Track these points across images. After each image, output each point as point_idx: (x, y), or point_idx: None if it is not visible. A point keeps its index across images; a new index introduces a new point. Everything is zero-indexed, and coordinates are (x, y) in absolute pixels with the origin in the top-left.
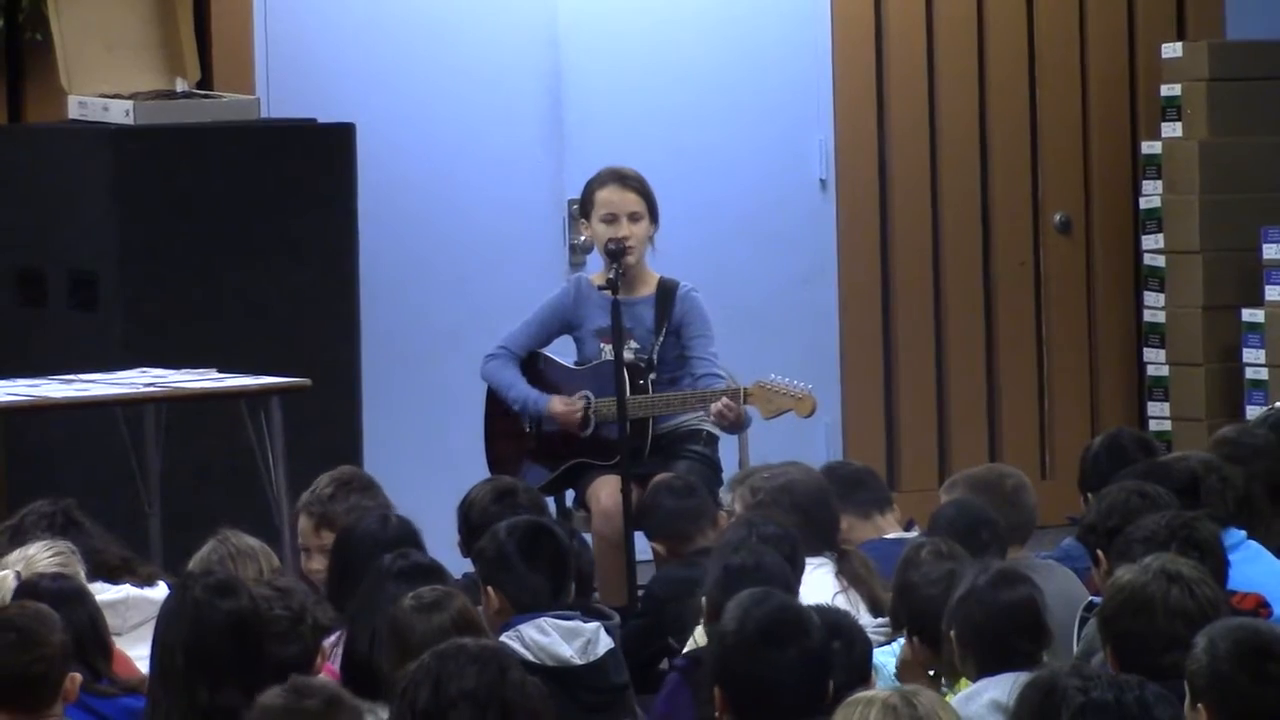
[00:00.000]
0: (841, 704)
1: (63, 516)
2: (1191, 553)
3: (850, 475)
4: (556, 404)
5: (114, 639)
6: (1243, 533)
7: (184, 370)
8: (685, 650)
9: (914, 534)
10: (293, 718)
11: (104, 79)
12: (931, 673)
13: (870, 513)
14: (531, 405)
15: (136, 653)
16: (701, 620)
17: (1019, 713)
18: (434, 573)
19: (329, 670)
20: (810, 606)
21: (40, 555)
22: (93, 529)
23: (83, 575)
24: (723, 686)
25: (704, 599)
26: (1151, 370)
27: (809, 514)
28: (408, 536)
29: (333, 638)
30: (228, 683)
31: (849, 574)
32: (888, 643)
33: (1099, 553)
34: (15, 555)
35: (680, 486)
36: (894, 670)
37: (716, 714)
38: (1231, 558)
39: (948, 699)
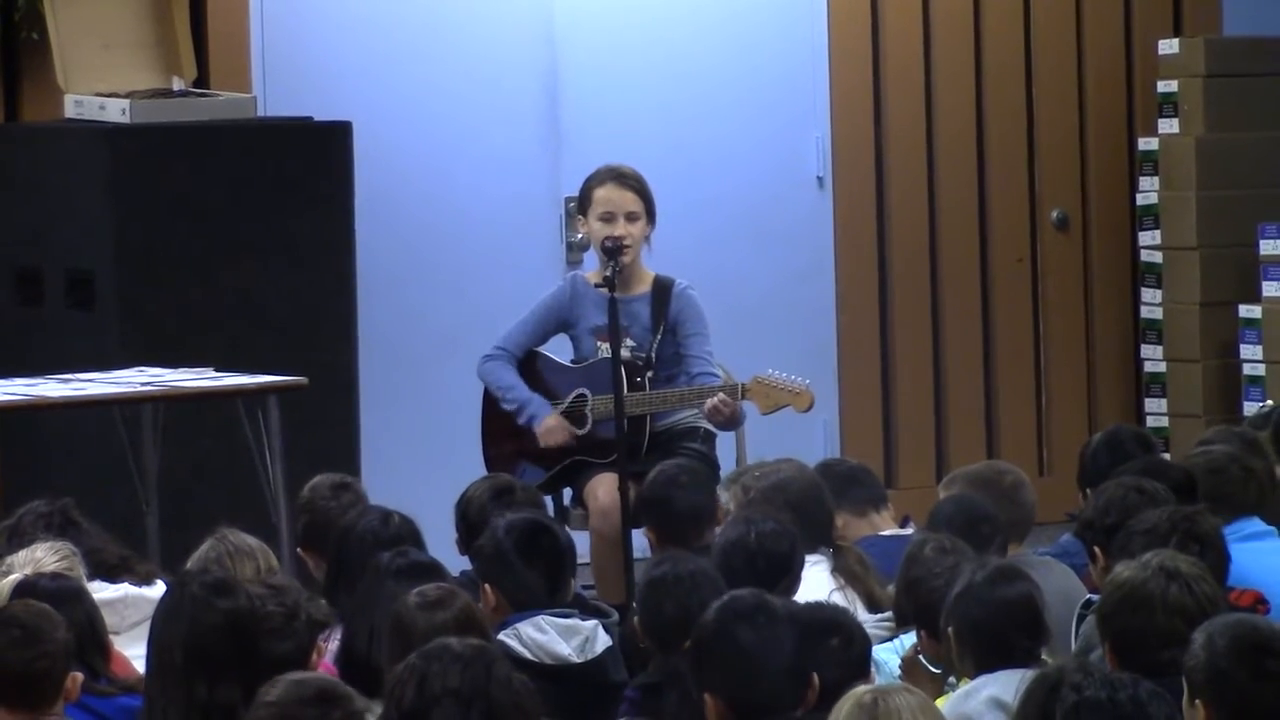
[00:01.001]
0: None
1: (60, 516)
2: (1192, 546)
3: (845, 473)
4: (550, 421)
5: (112, 638)
6: (1273, 529)
7: (181, 369)
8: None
9: (909, 530)
10: None
11: (100, 77)
12: (937, 670)
13: (865, 510)
14: (527, 413)
15: (135, 651)
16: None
17: (1024, 709)
18: (433, 571)
19: (325, 667)
20: (809, 603)
21: (46, 558)
22: (90, 528)
23: (84, 577)
24: (710, 689)
25: (634, 619)
26: (1149, 366)
27: (802, 512)
28: (408, 535)
29: (327, 634)
30: (225, 679)
31: (845, 571)
32: (890, 638)
33: (1096, 549)
34: (22, 556)
35: (687, 483)
36: (896, 667)
37: None
38: (1254, 547)
39: (945, 697)
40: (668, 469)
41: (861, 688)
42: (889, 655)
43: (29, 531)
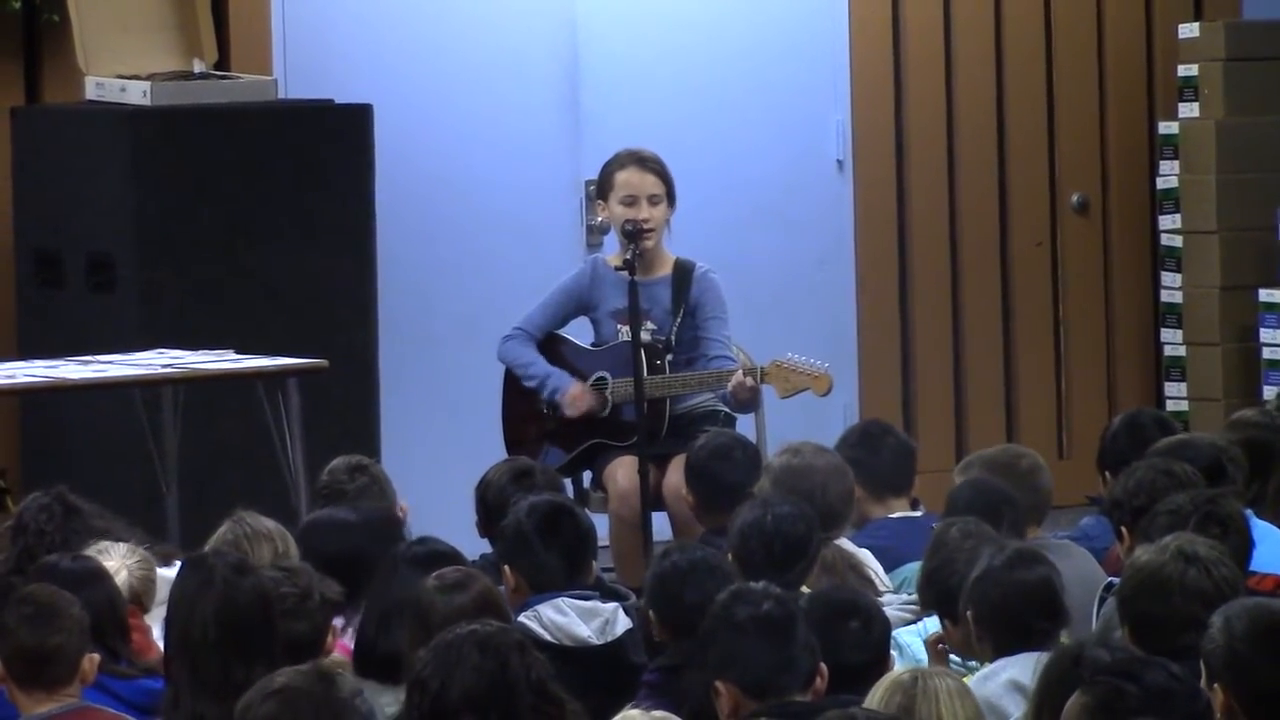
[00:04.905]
0: None
1: (60, 505)
2: (1214, 529)
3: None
4: (575, 389)
5: None
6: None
7: (201, 351)
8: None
9: (920, 513)
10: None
11: (121, 60)
12: (962, 667)
13: (884, 495)
14: (549, 386)
15: (158, 631)
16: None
17: (1043, 688)
18: (450, 560)
19: (341, 648)
20: (828, 586)
21: (134, 567)
22: (92, 509)
23: (157, 583)
24: (720, 676)
25: (649, 612)
26: (1169, 350)
27: (813, 501)
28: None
29: (343, 620)
30: (254, 659)
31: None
32: (914, 621)
33: (1123, 529)
34: (122, 548)
35: (740, 458)
36: (920, 650)
37: (729, 710)
38: None
39: (965, 680)
40: (722, 440)
41: (901, 669)
42: (912, 638)
43: (32, 525)
